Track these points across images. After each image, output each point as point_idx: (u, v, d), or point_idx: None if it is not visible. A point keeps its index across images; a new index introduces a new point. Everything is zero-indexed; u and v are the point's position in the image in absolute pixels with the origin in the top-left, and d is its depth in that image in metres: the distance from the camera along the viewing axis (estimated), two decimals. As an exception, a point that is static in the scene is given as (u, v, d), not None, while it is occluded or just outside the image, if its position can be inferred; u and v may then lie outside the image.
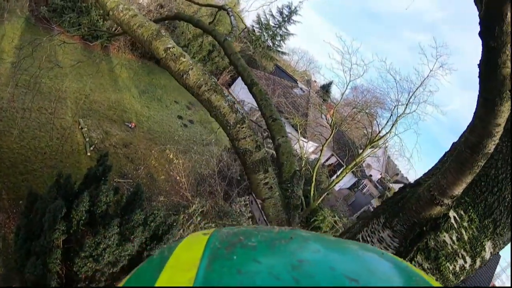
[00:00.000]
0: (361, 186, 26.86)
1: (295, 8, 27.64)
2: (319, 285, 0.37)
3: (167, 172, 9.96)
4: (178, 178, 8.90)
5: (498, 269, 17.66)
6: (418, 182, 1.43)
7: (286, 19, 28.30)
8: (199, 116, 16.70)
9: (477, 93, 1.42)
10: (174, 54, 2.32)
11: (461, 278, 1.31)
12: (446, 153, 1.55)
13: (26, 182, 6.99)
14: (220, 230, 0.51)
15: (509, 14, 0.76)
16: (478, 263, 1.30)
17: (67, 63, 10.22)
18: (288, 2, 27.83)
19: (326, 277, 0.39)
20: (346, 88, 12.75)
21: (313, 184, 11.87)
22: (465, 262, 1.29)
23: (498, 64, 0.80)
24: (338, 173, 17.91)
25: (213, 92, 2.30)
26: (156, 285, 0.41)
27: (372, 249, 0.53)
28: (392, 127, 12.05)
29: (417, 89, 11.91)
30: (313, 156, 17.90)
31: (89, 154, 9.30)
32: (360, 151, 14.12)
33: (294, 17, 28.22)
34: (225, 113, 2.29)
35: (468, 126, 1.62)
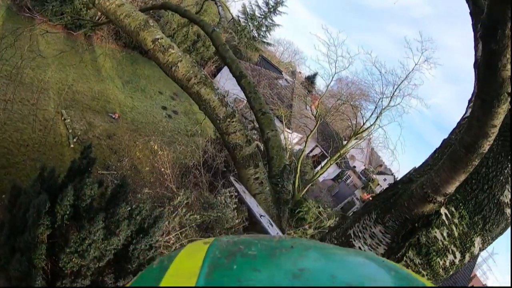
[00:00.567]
0: (345, 177, 27.35)
1: (281, -2, 27.55)
2: None
3: (152, 163, 9.82)
4: (162, 169, 8.81)
5: (479, 259, 18.43)
6: (410, 178, 1.45)
7: (272, 9, 28.14)
8: (183, 107, 16.49)
9: (470, 90, 1.44)
10: (163, 46, 2.25)
11: (451, 273, 1.35)
12: (437, 149, 1.57)
13: (8, 176, 6.76)
14: (220, 239, 0.51)
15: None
16: (467, 258, 1.34)
17: (49, 53, 9.87)
18: (274, -7, 27.70)
19: (327, 286, 0.39)
20: (332, 79, 12.88)
21: (297, 175, 11.99)
22: (455, 257, 1.33)
23: (498, 67, 0.81)
24: (322, 164, 18.13)
25: (203, 85, 2.25)
26: None
27: (373, 257, 0.53)
28: (376, 119, 12.27)
29: (402, 82, 12.16)
30: (297, 147, 18.01)
31: (72, 145, 9.07)
32: (345, 142, 14.34)
33: (280, 8, 28.12)
34: (215, 106, 2.25)
35: (458, 123, 1.65)
